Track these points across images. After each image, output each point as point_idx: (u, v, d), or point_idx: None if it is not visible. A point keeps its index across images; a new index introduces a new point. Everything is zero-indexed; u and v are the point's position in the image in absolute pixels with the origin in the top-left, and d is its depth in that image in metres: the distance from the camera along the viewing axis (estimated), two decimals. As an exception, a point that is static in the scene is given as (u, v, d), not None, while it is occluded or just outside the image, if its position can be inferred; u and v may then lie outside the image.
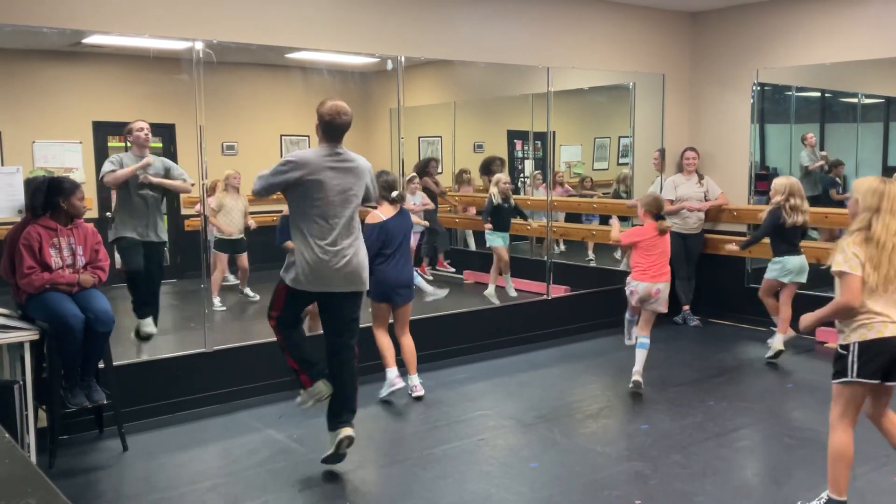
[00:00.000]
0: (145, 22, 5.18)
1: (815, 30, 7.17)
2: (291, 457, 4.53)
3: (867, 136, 8.33)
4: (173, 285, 8.39)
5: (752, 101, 7.65)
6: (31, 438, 4.31)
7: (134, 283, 5.85)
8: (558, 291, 7.59)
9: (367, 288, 4.44)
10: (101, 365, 4.69)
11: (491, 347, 6.80)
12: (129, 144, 5.99)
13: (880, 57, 6.74)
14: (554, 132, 8.27)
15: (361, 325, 4.46)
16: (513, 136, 10.04)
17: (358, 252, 4.27)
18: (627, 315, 5.95)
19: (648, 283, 5.55)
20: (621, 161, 9.23)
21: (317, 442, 4.78)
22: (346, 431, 4.28)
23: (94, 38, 5.48)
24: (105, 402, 4.66)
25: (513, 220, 8.06)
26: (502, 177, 8.08)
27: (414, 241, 7.59)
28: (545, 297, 7.48)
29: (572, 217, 9.47)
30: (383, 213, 5.45)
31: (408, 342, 5.65)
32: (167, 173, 5.88)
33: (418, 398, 5.53)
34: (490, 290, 7.87)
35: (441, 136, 9.96)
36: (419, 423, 5.11)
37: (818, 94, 8.75)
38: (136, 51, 5.99)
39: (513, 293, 7.91)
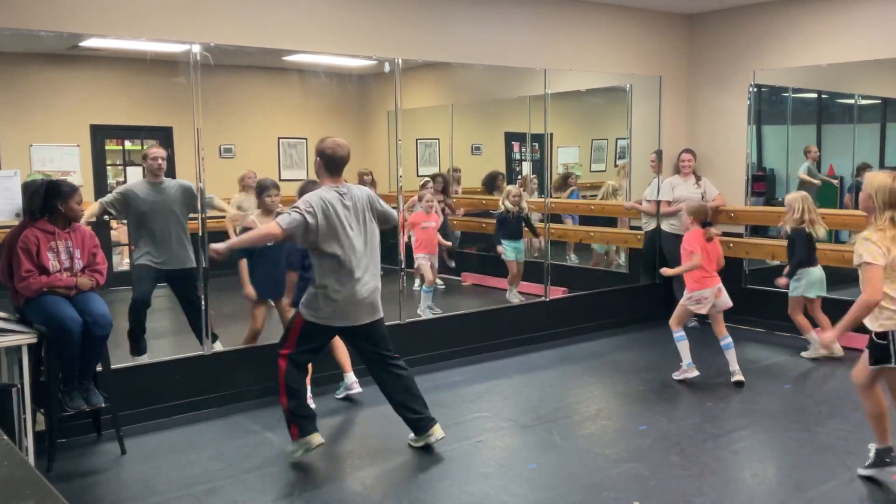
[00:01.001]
0: (142, 25, 5.18)
1: (811, 31, 7.18)
2: (287, 459, 4.52)
3: (864, 137, 8.34)
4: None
5: (748, 102, 7.66)
6: (30, 442, 4.30)
7: (134, 313, 5.62)
8: (556, 293, 7.59)
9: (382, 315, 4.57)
10: (99, 368, 4.69)
11: (489, 349, 6.80)
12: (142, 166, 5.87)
13: (877, 58, 6.76)
14: (551, 134, 8.28)
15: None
16: (510, 138, 10.05)
17: (377, 282, 4.48)
18: (676, 335, 6.05)
19: (712, 288, 5.80)
20: (619, 163, 9.24)
21: (315, 444, 4.78)
22: (439, 430, 4.62)
23: (91, 41, 5.47)
24: (103, 405, 4.65)
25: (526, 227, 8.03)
26: (513, 189, 8.03)
27: None
28: (543, 298, 7.48)
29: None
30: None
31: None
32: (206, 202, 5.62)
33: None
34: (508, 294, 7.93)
35: (439, 139, 9.96)
36: (418, 425, 5.10)
37: (815, 95, 8.76)
38: (133, 54, 5.98)
39: (514, 300, 7.83)
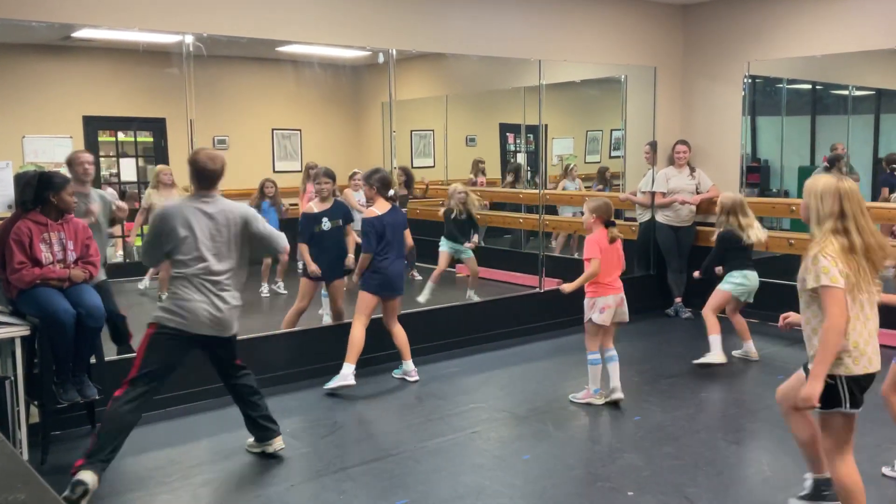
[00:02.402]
0: (135, 15, 5.15)
1: (805, 22, 7.18)
2: (285, 451, 4.52)
3: (858, 128, 8.35)
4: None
5: (743, 93, 7.66)
6: (23, 434, 4.29)
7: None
8: (550, 284, 7.59)
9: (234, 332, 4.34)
10: (92, 360, 4.68)
11: (484, 340, 6.81)
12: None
13: (871, 49, 6.76)
14: (546, 125, 8.27)
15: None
16: (505, 129, 10.04)
17: (235, 302, 4.24)
18: (591, 357, 5.20)
19: (615, 295, 5.14)
20: (613, 154, 9.24)
21: (311, 436, 4.78)
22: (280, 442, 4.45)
23: (83, 31, 5.45)
24: (97, 397, 4.64)
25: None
26: (458, 187, 7.86)
27: None
28: (538, 290, 7.49)
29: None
30: (379, 208, 5.63)
31: (400, 331, 5.82)
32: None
33: (414, 382, 5.70)
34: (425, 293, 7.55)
35: (433, 130, 9.95)
36: (413, 416, 5.11)
37: (809, 86, 8.77)
38: (125, 45, 5.96)
39: (474, 298, 7.60)
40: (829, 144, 8.40)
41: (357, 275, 5.80)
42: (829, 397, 3.11)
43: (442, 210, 8.00)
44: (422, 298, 7.41)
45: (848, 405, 3.12)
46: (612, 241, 5.14)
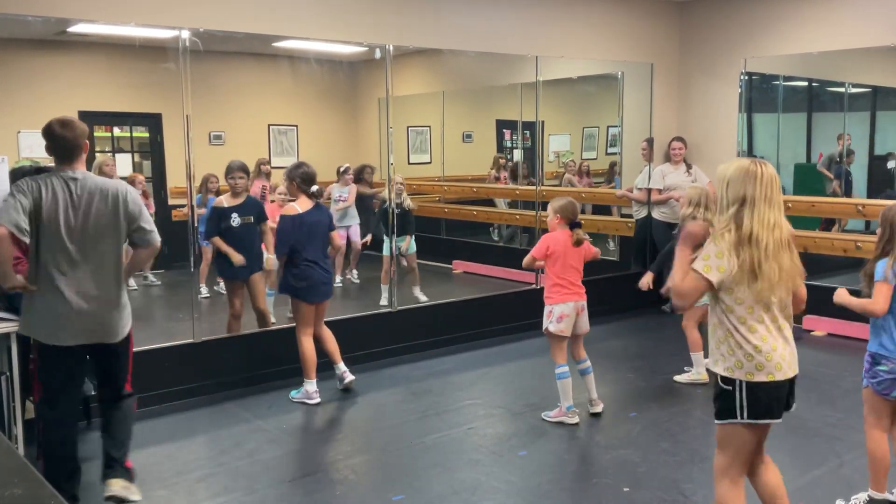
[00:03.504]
0: (131, 10, 5.13)
1: (802, 19, 7.18)
2: (281, 447, 4.53)
3: (854, 125, 8.36)
4: (160, 276, 8.37)
5: (739, 90, 7.66)
6: (19, 430, 4.28)
7: None
8: (547, 281, 7.59)
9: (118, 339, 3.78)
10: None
11: (480, 337, 6.81)
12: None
13: (867, 46, 6.77)
14: (542, 122, 8.27)
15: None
16: (501, 125, 10.04)
17: (107, 297, 3.70)
18: (558, 370, 4.80)
19: (576, 302, 4.80)
20: (610, 151, 9.24)
21: (307, 432, 4.78)
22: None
23: (79, 26, 5.43)
24: (92, 393, 4.63)
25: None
26: (397, 178, 7.10)
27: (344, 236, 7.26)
28: (534, 286, 7.49)
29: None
30: (300, 206, 5.22)
31: (328, 333, 5.45)
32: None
33: (348, 385, 5.42)
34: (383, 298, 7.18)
35: (430, 126, 9.94)
36: (408, 412, 5.12)
37: (805, 83, 8.77)
38: (121, 39, 5.94)
39: (421, 297, 7.42)
40: (825, 141, 8.41)
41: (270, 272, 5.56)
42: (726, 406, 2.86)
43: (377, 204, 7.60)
44: (383, 301, 7.10)
45: (745, 415, 2.83)
46: (578, 243, 4.76)
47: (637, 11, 7.79)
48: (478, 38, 6.80)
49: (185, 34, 5.33)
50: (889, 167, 7.80)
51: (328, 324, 5.52)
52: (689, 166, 7.77)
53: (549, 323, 4.79)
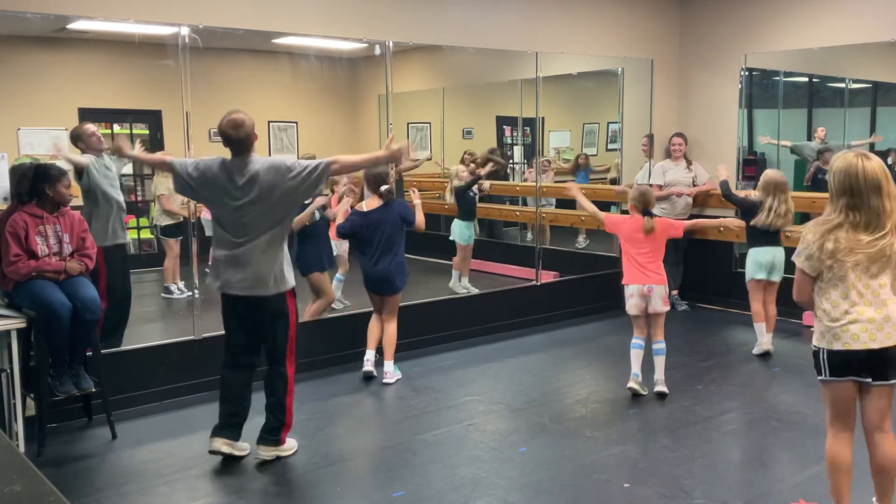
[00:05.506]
0: (130, 7, 5.13)
1: (802, 14, 7.17)
2: (281, 443, 4.53)
3: (854, 120, 8.35)
4: (159, 273, 8.36)
5: (740, 86, 7.66)
6: (20, 427, 4.30)
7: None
8: (547, 277, 7.60)
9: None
10: (88, 353, 4.67)
11: (480, 333, 6.81)
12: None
13: (868, 41, 6.76)
14: (543, 118, 8.26)
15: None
16: (502, 122, 10.03)
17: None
18: (632, 341, 5.26)
19: (641, 285, 5.13)
20: (610, 147, 9.23)
21: (308, 428, 4.78)
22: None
23: (78, 23, 5.42)
24: (93, 389, 4.64)
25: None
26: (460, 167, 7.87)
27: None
28: (534, 282, 7.49)
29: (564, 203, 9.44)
30: (367, 205, 5.61)
31: (389, 329, 5.72)
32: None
33: (385, 385, 5.57)
34: None
35: (430, 123, 9.93)
36: (409, 408, 5.12)
37: (806, 78, 8.76)
38: (121, 36, 5.94)
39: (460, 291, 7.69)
40: (825, 137, 8.40)
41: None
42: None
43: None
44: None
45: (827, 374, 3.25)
46: (648, 231, 5.11)
47: (637, 7, 7.78)
48: (478, 34, 6.79)
49: (185, 31, 5.33)
50: (889, 163, 7.79)
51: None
52: (689, 162, 7.77)
53: (626, 301, 5.22)
